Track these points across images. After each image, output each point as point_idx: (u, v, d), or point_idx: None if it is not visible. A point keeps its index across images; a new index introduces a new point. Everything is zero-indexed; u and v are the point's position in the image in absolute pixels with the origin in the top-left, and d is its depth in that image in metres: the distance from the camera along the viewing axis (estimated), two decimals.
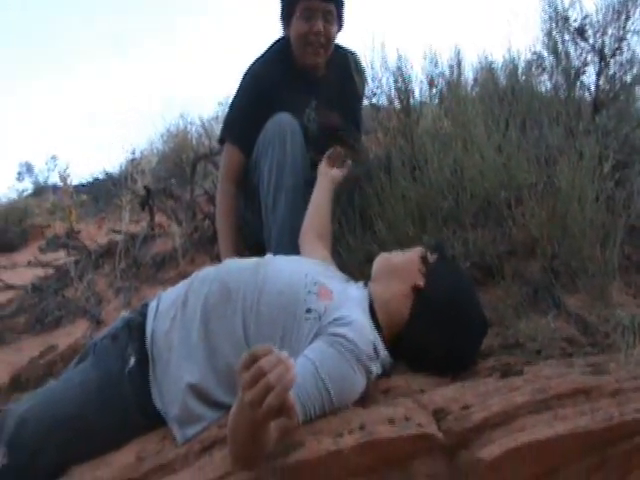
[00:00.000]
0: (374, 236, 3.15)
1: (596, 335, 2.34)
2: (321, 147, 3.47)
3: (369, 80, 3.74)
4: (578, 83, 3.54)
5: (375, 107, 3.81)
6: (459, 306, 2.34)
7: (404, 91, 3.61)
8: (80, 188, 8.74)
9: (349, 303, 2.31)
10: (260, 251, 2.99)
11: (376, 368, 2.18)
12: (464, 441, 1.87)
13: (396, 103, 3.67)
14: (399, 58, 3.62)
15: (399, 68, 3.62)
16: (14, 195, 13.19)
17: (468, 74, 3.96)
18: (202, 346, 2.27)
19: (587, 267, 2.60)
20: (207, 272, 2.48)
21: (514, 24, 3.59)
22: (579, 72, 3.53)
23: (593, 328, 2.38)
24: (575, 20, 3.54)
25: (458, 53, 3.77)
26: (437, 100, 3.80)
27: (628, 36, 3.47)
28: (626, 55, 3.49)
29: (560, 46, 3.57)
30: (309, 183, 3.31)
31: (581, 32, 3.52)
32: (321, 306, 2.23)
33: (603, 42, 3.48)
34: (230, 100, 3.87)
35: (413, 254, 2.46)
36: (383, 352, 2.22)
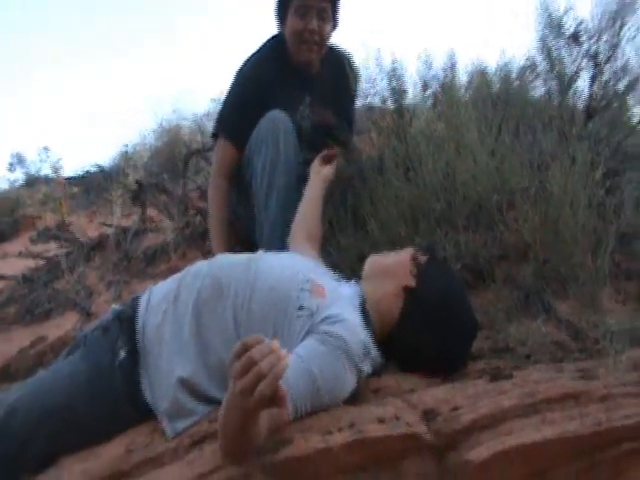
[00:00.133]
0: (366, 236, 3.16)
1: (586, 341, 2.35)
2: (314, 145, 3.48)
3: (363, 80, 3.75)
4: (571, 89, 3.56)
5: (369, 107, 3.82)
6: (450, 307, 2.35)
7: (398, 92, 3.62)
8: (72, 180, 8.73)
9: (341, 301, 2.32)
10: (252, 247, 3.00)
11: (367, 367, 2.18)
12: (453, 442, 1.88)
13: (390, 103, 3.68)
14: (394, 59, 3.64)
15: (393, 69, 3.64)
16: (5, 185, 13.15)
17: (462, 77, 3.98)
18: (194, 341, 2.27)
19: (578, 273, 2.62)
20: (199, 267, 2.48)
21: (509, 29, 3.61)
22: (573, 78, 3.55)
23: (583, 334, 2.39)
24: (570, 26, 3.56)
25: (452, 56, 3.79)
26: (431, 102, 3.82)
27: (622, 43, 3.49)
28: (620, 62, 3.51)
29: (554, 52, 3.59)
30: (302, 181, 3.31)
31: (575, 38, 3.54)
32: (313, 304, 2.24)
33: (597, 49, 3.51)
34: (224, 96, 3.87)
35: (404, 255, 2.47)
36: (374, 351, 2.23)
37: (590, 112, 3.50)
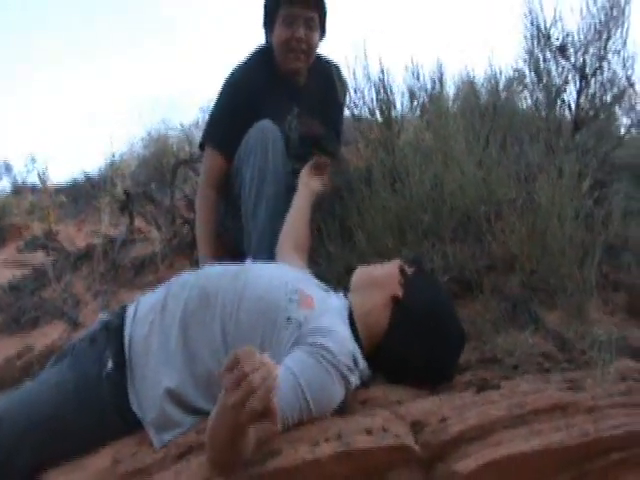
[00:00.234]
0: (354, 247, 3.16)
1: (573, 351, 2.36)
2: (302, 156, 3.48)
3: (351, 91, 3.75)
4: (559, 101, 3.57)
5: (356, 118, 3.82)
6: (438, 317, 2.35)
7: (386, 103, 3.63)
8: (59, 189, 8.72)
9: (329, 313, 2.32)
10: (240, 257, 2.99)
11: (355, 379, 2.18)
12: (440, 454, 1.88)
13: (377, 115, 3.68)
14: (381, 70, 3.64)
15: (381, 80, 3.64)
16: None
17: (450, 88, 3.99)
18: (181, 351, 2.27)
19: (565, 284, 2.62)
20: (186, 277, 2.48)
21: (496, 40, 3.62)
22: (560, 90, 3.56)
23: (570, 344, 2.39)
24: (557, 38, 3.57)
25: (440, 67, 3.79)
26: (418, 112, 3.82)
27: (609, 56, 3.50)
28: (607, 74, 3.52)
29: (542, 64, 3.60)
30: (290, 191, 3.31)
31: (562, 50, 3.55)
32: (301, 315, 2.24)
33: (584, 61, 3.51)
34: (212, 105, 3.87)
35: (392, 266, 2.47)
36: (362, 363, 2.22)
37: (577, 123, 3.51)
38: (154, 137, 8.85)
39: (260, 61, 3.72)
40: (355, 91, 3.70)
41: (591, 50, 3.49)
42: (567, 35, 3.54)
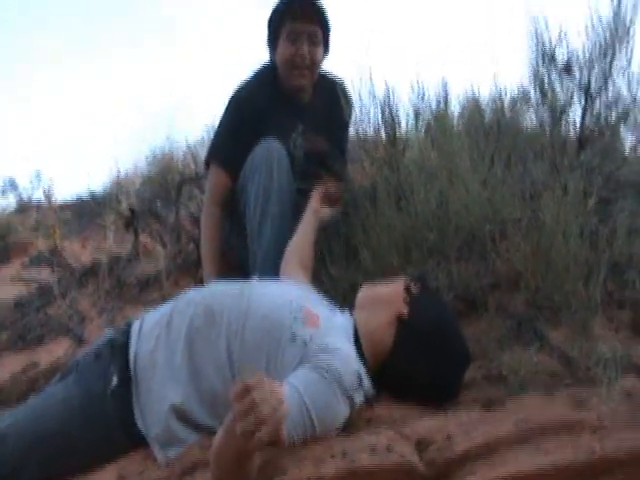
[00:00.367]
0: (359, 265, 3.15)
1: (578, 369, 2.35)
2: (307, 174, 3.48)
3: (356, 109, 3.75)
4: (563, 120, 3.57)
5: (361, 137, 3.82)
6: (443, 335, 2.35)
7: (391, 122, 3.63)
8: (64, 206, 8.73)
9: (335, 331, 2.32)
10: (244, 276, 2.99)
11: (359, 398, 2.18)
12: (446, 472, 1.88)
13: (382, 133, 3.68)
14: (386, 89, 3.64)
15: (386, 99, 3.64)
16: None
17: (454, 107, 3.99)
18: (186, 366, 2.27)
19: (570, 302, 2.62)
20: (192, 294, 2.49)
21: (501, 59, 3.62)
22: (565, 109, 3.56)
23: (575, 362, 2.38)
24: (562, 57, 3.57)
25: (445, 86, 3.79)
26: (423, 131, 3.82)
27: (614, 74, 3.50)
28: (612, 93, 3.52)
29: (546, 82, 3.60)
30: (295, 209, 3.32)
31: (567, 69, 3.55)
32: (307, 333, 2.24)
33: (589, 80, 3.51)
34: (216, 123, 3.87)
35: (397, 285, 2.48)
36: (367, 382, 2.22)
37: (582, 142, 3.51)
38: (159, 155, 8.84)
39: (264, 78, 3.73)
40: (360, 110, 3.70)
41: (596, 69, 3.49)
42: (572, 54, 3.54)
